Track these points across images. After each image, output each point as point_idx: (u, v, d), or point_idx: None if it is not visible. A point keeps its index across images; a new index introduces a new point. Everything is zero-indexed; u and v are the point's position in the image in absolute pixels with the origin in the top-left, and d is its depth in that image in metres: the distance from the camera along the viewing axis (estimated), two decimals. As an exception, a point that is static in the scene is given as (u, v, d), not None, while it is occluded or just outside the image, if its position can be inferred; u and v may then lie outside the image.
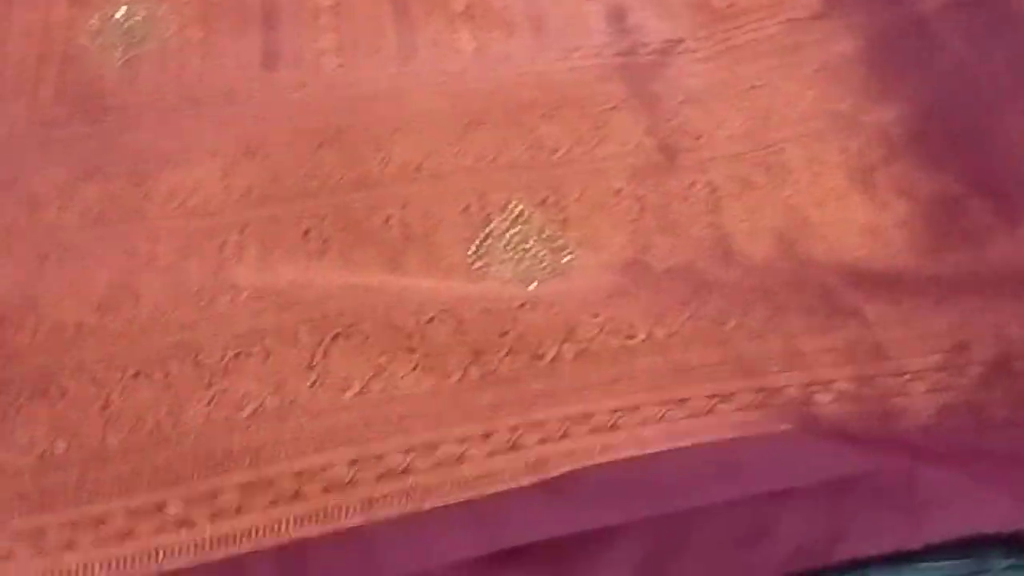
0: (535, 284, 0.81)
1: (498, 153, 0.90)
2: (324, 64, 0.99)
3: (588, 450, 0.67)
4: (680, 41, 1.00)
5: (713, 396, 0.72)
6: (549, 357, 0.74)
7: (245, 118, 0.93)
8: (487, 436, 0.68)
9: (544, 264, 0.82)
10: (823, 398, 0.72)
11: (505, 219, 0.85)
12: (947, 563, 0.66)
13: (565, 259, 0.83)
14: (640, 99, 0.95)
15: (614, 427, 0.69)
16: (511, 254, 0.83)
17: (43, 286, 0.78)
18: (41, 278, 0.79)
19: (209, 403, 0.70)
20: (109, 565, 0.61)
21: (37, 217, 0.84)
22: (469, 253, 0.83)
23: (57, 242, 0.82)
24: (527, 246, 0.84)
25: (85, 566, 0.61)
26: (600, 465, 0.66)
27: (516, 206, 0.86)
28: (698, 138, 0.92)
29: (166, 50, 1.00)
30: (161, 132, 0.91)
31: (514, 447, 0.68)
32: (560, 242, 0.84)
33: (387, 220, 0.85)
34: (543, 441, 0.68)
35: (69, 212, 0.85)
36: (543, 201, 0.87)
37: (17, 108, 0.95)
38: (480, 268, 0.82)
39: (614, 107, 0.94)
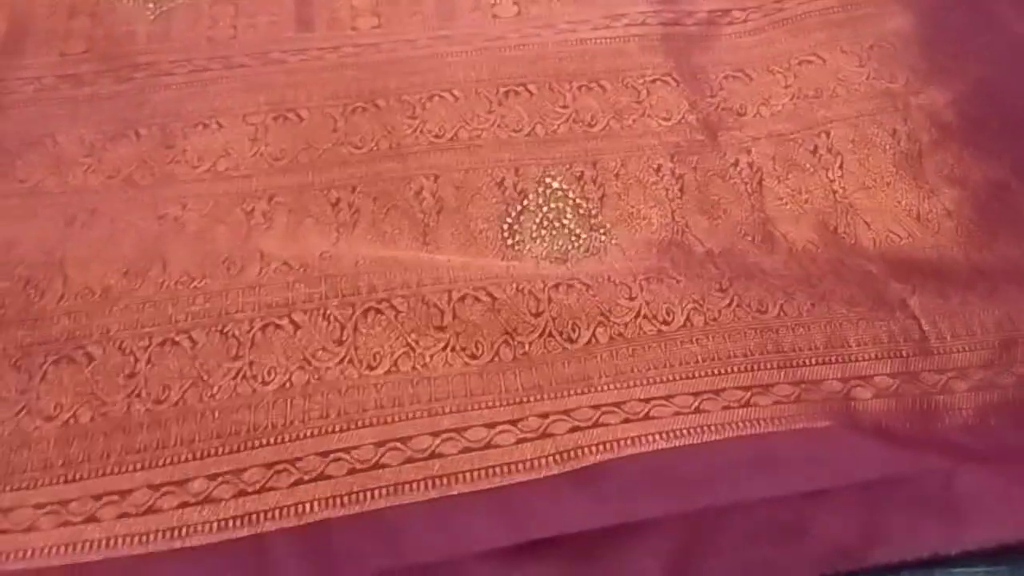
0: (570, 263, 0.79)
1: (535, 124, 0.88)
2: (360, 25, 0.96)
3: (620, 441, 0.65)
4: (728, 11, 0.96)
5: (750, 387, 0.69)
6: (583, 340, 0.72)
7: (277, 80, 0.91)
8: (516, 422, 0.67)
9: (580, 242, 0.80)
10: (864, 393, 0.69)
11: (541, 194, 0.83)
12: (982, 569, 0.65)
13: (601, 238, 0.80)
14: (683, 72, 0.92)
15: (647, 417, 0.67)
16: (546, 231, 0.81)
17: (70, 249, 0.77)
18: (68, 240, 0.78)
19: (236, 376, 0.69)
20: (131, 539, 0.61)
21: (65, 178, 0.83)
22: (503, 229, 0.80)
23: (85, 204, 0.81)
24: (563, 223, 0.81)
25: (107, 539, 0.61)
26: (631, 457, 0.64)
27: (552, 181, 0.84)
28: (742, 115, 0.89)
29: (199, 5, 0.97)
30: (191, 92, 0.90)
31: (544, 434, 0.66)
32: (596, 220, 0.82)
33: (419, 191, 0.83)
34: (574, 429, 0.66)
35: (97, 173, 0.83)
36: (580, 176, 0.84)
37: (45, 62, 0.93)
38: (514, 245, 0.80)
39: (656, 80, 0.91)
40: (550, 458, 0.65)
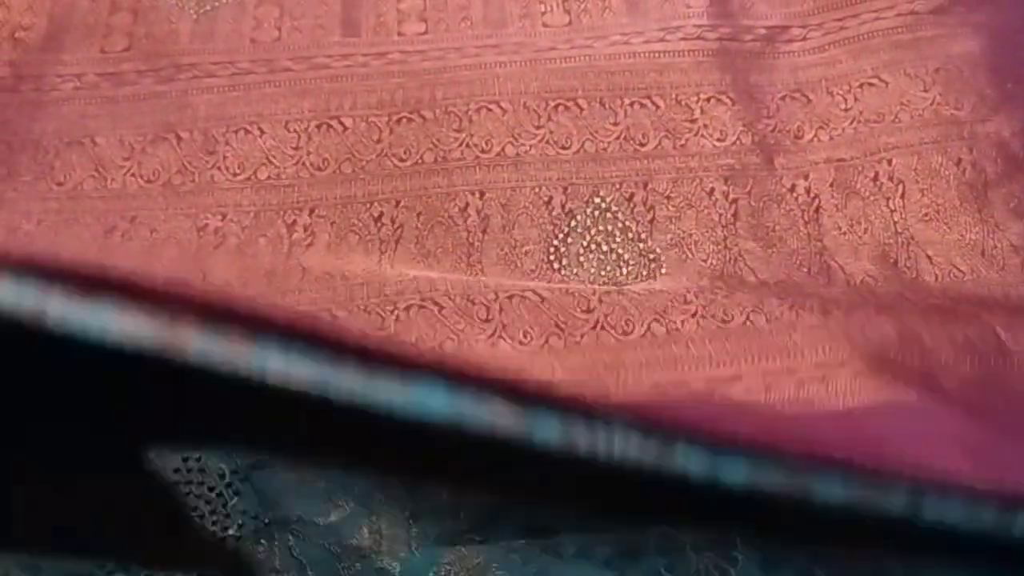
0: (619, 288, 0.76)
1: (584, 141, 0.85)
2: (406, 31, 0.93)
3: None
4: (787, 28, 0.93)
5: (822, 365, 0.68)
6: (637, 334, 0.71)
7: (321, 86, 0.88)
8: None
9: (629, 268, 0.78)
10: (948, 379, 0.67)
11: (589, 215, 0.80)
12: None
13: (650, 264, 0.78)
14: (739, 91, 0.88)
15: (710, 395, 0.66)
16: (594, 255, 0.78)
17: (110, 260, 0.75)
18: (108, 250, 0.76)
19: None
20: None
21: (104, 180, 0.81)
22: (550, 252, 0.78)
23: (124, 211, 0.79)
24: (611, 247, 0.79)
25: None
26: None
27: (601, 202, 0.81)
28: (799, 138, 0.86)
29: (243, 5, 0.95)
30: (233, 96, 0.88)
31: None
32: (646, 244, 0.79)
33: (464, 208, 0.80)
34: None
35: (137, 177, 0.82)
36: (630, 198, 0.82)
37: (85, 58, 0.91)
38: (560, 269, 0.77)
39: (711, 98, 0.88)
40: None
